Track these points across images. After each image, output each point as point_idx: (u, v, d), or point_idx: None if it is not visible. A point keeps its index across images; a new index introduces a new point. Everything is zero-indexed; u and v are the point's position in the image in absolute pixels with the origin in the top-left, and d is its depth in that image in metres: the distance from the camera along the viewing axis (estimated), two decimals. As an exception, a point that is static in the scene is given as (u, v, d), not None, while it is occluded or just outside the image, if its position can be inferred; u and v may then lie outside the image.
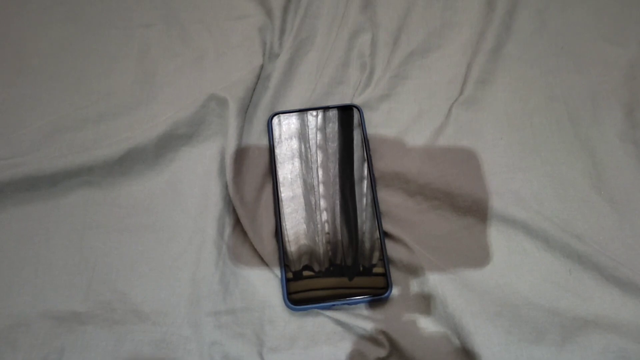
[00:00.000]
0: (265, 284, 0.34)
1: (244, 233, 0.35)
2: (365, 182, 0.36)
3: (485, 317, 0.32)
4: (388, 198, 0.36)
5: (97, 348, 0.32)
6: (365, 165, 0.37)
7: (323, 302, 0.32)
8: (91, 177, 0.36)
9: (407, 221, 0.35)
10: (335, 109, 0.39)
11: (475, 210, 0.35)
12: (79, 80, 0.41)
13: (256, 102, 0.40)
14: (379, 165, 0.37)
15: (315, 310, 0.33)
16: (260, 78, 0.41)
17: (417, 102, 0.40)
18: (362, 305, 0.33)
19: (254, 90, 0.40)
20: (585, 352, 0.31)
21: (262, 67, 0.41)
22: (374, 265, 0.33)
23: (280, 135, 0.38)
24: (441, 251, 0.34)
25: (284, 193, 0.36)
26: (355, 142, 0.38)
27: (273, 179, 0.36)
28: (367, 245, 0.34)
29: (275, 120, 0.38)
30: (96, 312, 0.32)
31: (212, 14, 0.44)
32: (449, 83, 0.41)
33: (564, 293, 0.33)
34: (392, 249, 0.34)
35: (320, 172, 0.36)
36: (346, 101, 0.40)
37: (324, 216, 0.35)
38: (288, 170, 0.36)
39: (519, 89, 0.40)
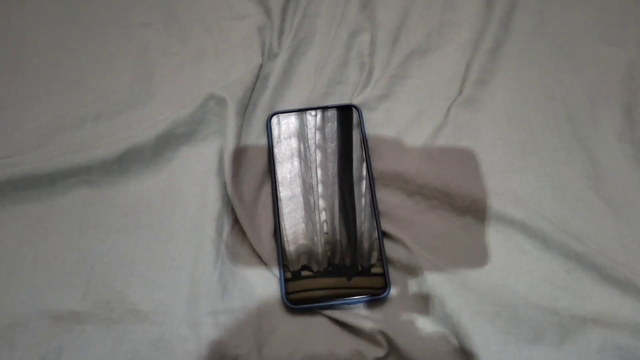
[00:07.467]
0: (263, 283, 0.34)
1: (242, 232, 0.35)
2: (364, 182, 0.36)
3: (484, 317, 0.32)
4: (387, 198, 0.36)
5: (96, 347, 0.31)
6: (364, 165, 0.37)
7: (321, 301, 0.32)
8: (90, 177, 0.36)
9: (405, 221, 0.35)
10: (334, 108, 0.39)
11: (473, 210, 0.35)
12: (77, 79, 0.41)
13: (255, 101, 0.40)
14: (378, 165, 0.37)
15: (314, 309, 0.33)
16: (259, 77, 0.40)
17: (416, 102, 0.40)
18: (361, 305, 0.33)
19: (253, 89, 0.40)
20: (584, 351, 0.31)
21: (261, 67, 0.41)
22: (373, 265, 0.33)
23: (279, 134, 0.38)
24: (440, 251, 0.34)
25: (283, 193, 0.36)
26: (354, 142, 0.38)
27: (272, 179, 0.36)
28: (366, 245, 0.34)
29: (274, 119, 0.38)
30: (94, 312, 0.32)
31: (211, 13, 0.44)
32: (448, 83, 0.41)
33: (562, 293, 0.33)
34: (390, 248, 0.35)
35: (319, 172, 0.36)
36: (345, 101, 0.40)
37: (323, 216, 0.35)
38: (287, 170, 0.36)
39: (517, 89, 0.40)
